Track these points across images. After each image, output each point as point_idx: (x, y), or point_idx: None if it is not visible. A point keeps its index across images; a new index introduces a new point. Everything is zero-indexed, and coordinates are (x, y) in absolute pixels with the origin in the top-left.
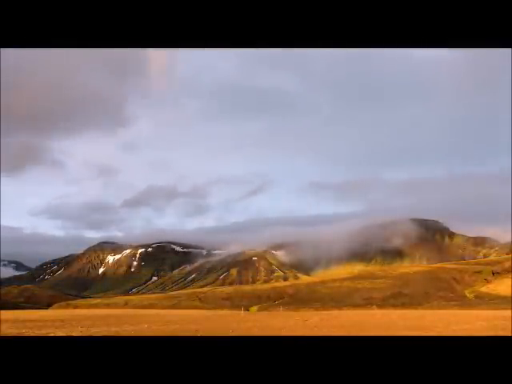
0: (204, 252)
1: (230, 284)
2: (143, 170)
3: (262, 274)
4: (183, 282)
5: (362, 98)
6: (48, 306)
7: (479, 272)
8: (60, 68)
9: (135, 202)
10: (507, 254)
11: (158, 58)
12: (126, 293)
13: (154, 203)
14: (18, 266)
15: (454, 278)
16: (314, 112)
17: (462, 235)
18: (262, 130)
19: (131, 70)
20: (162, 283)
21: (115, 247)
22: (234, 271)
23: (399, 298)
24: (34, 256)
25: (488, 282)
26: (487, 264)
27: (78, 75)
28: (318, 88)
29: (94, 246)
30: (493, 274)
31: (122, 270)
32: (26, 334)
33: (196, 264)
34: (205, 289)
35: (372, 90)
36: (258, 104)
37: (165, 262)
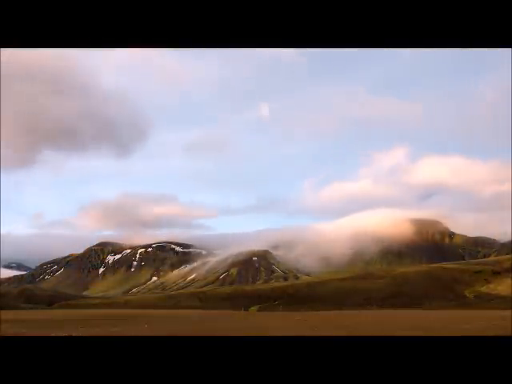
0: (204, 252)
1: (230, 284)
2: None
3: (262, 274)
4: (183, 282)
5: None
6: (48, 305)
7: (479, 272)
8: None
9: None
10: (507, 254)
11: None
12: (126, 293)
13: None
14: (18, 266)
15: (454, 278)
16: None
17: (462, 235)
18: None
19: None
20: (162, 283)
21: (115, 247)
22: (234, 271)
23: (399, 298)
24: (34, 256)
25: (488, 282)
26: (487, 264)
27: None
28: None
29: (93, 246)
30: (493, 273)
31: (122, 270)
32: (26, 334)
33: (196, 264)
34: (205, 289)
35: None
36: None
37: (165, 262)
